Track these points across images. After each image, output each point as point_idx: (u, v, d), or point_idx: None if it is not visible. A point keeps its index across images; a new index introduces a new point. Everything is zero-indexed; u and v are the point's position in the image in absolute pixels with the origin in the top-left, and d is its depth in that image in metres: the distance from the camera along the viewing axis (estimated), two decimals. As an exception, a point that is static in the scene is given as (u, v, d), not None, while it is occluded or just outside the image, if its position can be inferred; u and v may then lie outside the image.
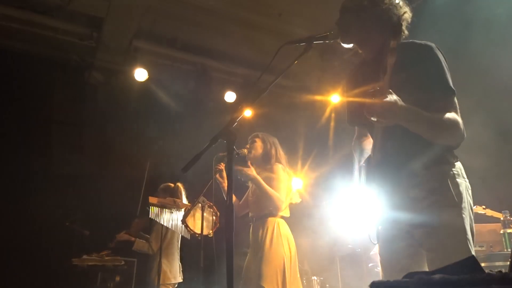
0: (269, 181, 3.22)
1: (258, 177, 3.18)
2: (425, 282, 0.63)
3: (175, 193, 4.23)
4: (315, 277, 4.92)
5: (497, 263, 3.44)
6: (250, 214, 3.35)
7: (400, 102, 1.53)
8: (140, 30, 5.48)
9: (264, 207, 3.23)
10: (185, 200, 4.24)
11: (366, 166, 1.83)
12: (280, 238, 3.11)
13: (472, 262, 0.67)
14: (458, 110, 1.67)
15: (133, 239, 4.20)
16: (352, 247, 5.18)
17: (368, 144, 1.98)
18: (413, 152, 1.70)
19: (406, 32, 1.85)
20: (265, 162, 3.33)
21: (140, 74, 5.52)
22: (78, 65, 5.53)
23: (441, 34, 3.69)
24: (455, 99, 1.68)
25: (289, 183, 3.37)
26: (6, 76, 5.10)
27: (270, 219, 3.19)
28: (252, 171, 3.19)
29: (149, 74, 5.57)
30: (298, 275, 3.18)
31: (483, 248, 3.52)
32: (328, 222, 5.39)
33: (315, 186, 5.49)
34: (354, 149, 2.04)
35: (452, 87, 1.67)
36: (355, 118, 2.00)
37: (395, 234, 1.74)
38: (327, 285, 5.09)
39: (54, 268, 4.68)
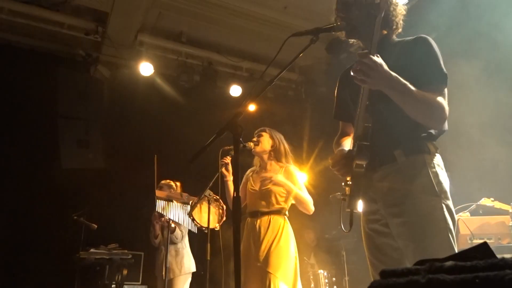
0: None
1: (288, 182, 3.14)
2: (437, 268, 0.62)
3: (171, 189, 4.27)
4: (321, 271, 4.93)
5: (506, 255, 3.41)
6: (253, 208, 3.24)
7: (386, 67, 1.54)
8: (145, 25, 5.49)
9: (275, 203, 3.17)
10: None
11: (346, 154, 1.79)
12: (289, 237, 3.08)
13: (484, 248, 0.66)
14: (445, 98, 1.66)
15: (173, 225, 4.15)
16: (358, 241, 5.18)
17: (349, 142, 1.96)
18: (394, 137, 1.69)
19: (400, 29, 1.88)
20: (275, 159, 3.32)
21: (146, 69, 5.53)
22: (84, 60, 5.55)
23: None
24: (445, 89, 1.67)
25: None
26: (12, 71, 5.13)
27: (279, 217, 3.13)
28: (281, 177, 3.15)
29: (154, 69, 5.58)
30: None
31: (492, 241, 3.49)
32: (334, 215, 5.38)
33: (321, 180, 5.47)
34: (334, 145, 2.03)
35: (444, 71, 1.66)
36: (341, 110, 2.01)
37: (377, 229, 1.73)
38: (334, 279, 5.10)
39: (62, 261, 4.72)
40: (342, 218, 1.82)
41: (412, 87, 1.56)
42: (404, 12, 1.88)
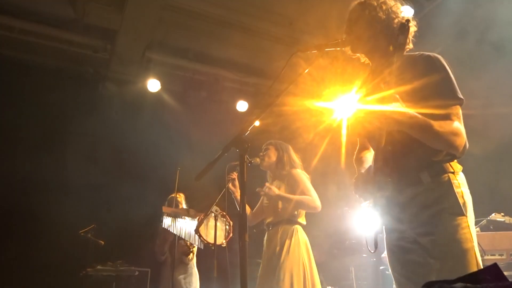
0: (295, 188, 3.15)
1: (282, 194, 3.11)
2: (446, 290, 0.61)
3: (176, 203, 4.27)
4: (330, 287, 4.86)
5: (518, 272, 3.33)
6: (266, 221, 3.28)
7: (397, 110, 1.56)
8: (153, 42, 5.56)
9: (283, 213, 3.14)
10: None
11: (367, 174, 1.80)
12: (299, 245, 3.02)
13: (495, 270, 0.64)
14: (462, 120, 1.66)
15: (191, 249, 4.24)
16: (367, 256, 5.11)
17: (370, 156, 1.96)
18: (417, 160, 1.69)
19: (411, 45, 1.85)
20: (280, 169, 3.31)
21: (153, 85, 5.58)
22: (92, 77, 5.62)
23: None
24: (460, 110, 1.67)
25: None
26: (22, 88, 5.21)
27: (288, 226, 3.09)
28: (274, 190, 3.11)
29: (161, 85, 5.63)
30: (320, 286, 3.03)
31: (503, 257, 3.41)
32: (343, 231, 5.34)
33: (329, 196, 5.43)
34: (355, 161, 2.02)
35: (460, 95, 1.66)
36: (357, 127, 2.01)
37: (402, 245, 1.72)
38: (343, 295, 5.02)
39: (69, 277, 4.70)
40: (367, 239, 1.84)
41: (429, 121, 1.57)
42: (415, 29, 1.85)
